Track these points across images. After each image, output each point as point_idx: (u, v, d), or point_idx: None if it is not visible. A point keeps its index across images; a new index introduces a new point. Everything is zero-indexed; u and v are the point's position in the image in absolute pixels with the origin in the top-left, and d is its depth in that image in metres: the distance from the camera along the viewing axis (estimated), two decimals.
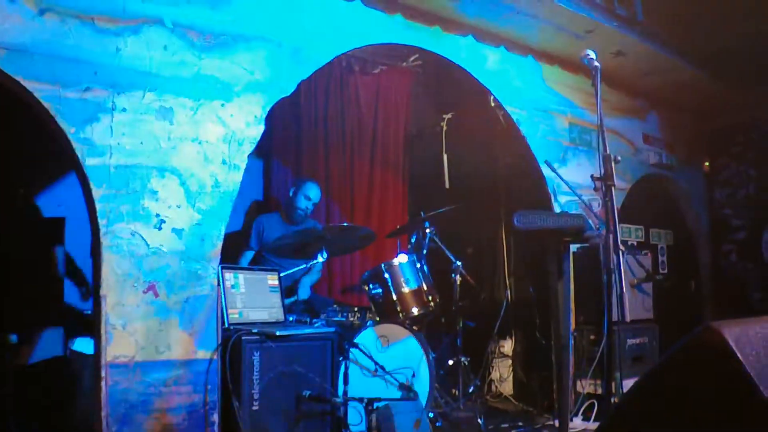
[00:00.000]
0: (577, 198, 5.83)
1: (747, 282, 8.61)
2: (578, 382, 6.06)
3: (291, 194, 6.33)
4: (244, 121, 4.58)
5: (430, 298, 5.41)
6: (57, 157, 4.23)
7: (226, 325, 4.40)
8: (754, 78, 7.47)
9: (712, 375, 1.75)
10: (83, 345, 4.97)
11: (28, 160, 5.66)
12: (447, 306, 5.88)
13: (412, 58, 7.23)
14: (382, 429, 4.11)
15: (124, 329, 3.97)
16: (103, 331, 3.91)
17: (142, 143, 4.12)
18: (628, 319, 3.32)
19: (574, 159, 6.81)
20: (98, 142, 3.96)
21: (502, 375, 7.11)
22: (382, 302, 5.35)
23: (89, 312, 4.33)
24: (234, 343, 4.15)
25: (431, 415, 5.05)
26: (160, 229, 4.16)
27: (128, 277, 4.02)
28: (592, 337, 6.22)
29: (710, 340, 1.73)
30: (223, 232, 4.44)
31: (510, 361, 7.16)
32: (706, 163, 9.07)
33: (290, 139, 7.03)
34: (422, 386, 5.06)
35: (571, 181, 5.90)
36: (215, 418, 4.25)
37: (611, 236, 3.35)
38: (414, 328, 5.23)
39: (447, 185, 7.46)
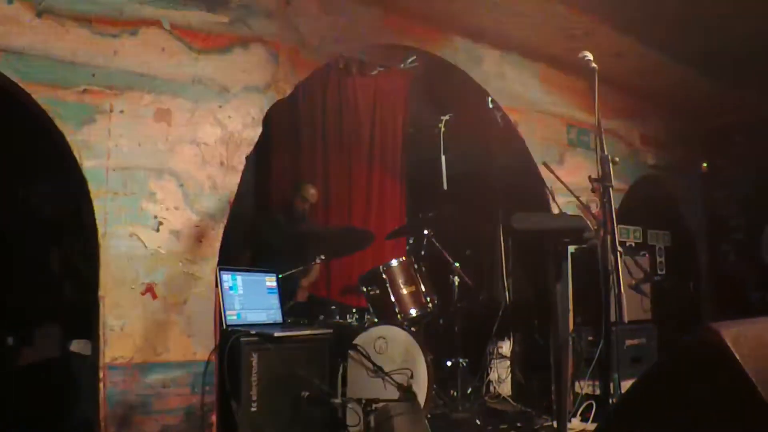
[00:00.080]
0: (575, 199, 5.83)
1: (745, 282, 8.61)
2: (577, 383, 6.06)
3: (289, 196, 6.32)
4: (242, 123, 4.58)
5: (428, 299, 5.41)
6: (55, 158, 4.22)
7: (224, 327, 4.40)
8: (751, 78, 7.47)
9: (711, 376, 1.76)
10: (81, 346, 4.97)
11: (26, 162, 5.65)
12: (445, 307, 5.88)
13: (409, 60, 7.21)
14: (380, 430, 4.11)
15: (123, 331, 3.97)
16: (101, 333, 3.91)
17: (139, 145, 4.12)
18: (626, 319, 3.32)
19: (572, 160, 6.82)
20: (96, 144, 3.96)
21: (501, 376, 7.10)
22: (380, 303, 5.35)
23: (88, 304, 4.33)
24: (232, 344, 4.15)
25: (430, 416, 5.05)
26: (158, 230, 4.16)
27: (126, 278, 4.02)
28: (590, 338, 6.23)
29: (708, 341, 1.73)
30: (221, 234, 4.44)
31: (508, 362, 7.15)
32: (704, 164, 9.07)
33: (288, 141, 7.02)
34: (420, 387, 5.05)
35: (569, 183, 5.89)
36: (213, 419, 4.25)
37: (609, 237, 3.35)
38: (412, 329, 5.23)
39: (445, 187, 7.45)
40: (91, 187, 3.95)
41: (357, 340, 4.78)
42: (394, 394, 4.79)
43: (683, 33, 6.38)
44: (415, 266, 5.50)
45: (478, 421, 5.50)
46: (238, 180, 4.56)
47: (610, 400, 5.09)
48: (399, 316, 5.25)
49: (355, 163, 7.23)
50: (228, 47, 4.53)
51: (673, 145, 8.36)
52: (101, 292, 3.94)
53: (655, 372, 1.98)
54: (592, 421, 5.74)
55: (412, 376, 4.99)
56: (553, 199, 6.37)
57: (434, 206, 5.97)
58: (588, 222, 4.48)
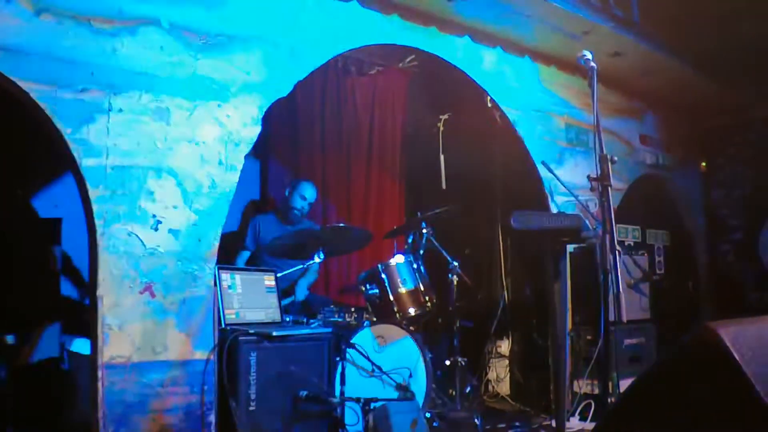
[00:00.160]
0: (573, 198, 5.83)
1: (744, 282, 8.62)
2: (575, 382, 6.06)
3: (287, 194, 6.33)
4: (241, 122, 4.57)
5: (426, 298, 5.41)
6: (54, 157, 4.22)
7: (223, 326, 4.40)
8: (750, 78, 7.48)
9: (709, 375, 1.76)
10: (80, 346, 4.96)
11: (25, 161, 5.65)
12: (444, 306, 5.88)
13: (408, 59, 7.22)
14: (379, 429, 4.11)
15: (121, 330, 3.96)
16: (99, 332, 3.91)
17: (138, 144, 4.12)
18: (624, 319, 3.32)
19: (570, 159, 6.82)
20: (95, 143, 3.95)
21: (499, 375, 7.12)
22: (379, 302, 5.36)
23: (86, 304, 4.33)
24: (231, 343, 4.15)
25: (428, 415, 5.05)
26: (156, 229, 4.16)
27: (125, 277, 4.02)
28: (589, 337, 6.22)
29: (707, 340, 1.73)
30: (219, 233, 4.44)
31: (507, 361, 7.16)
32: (703, 164, 9.08)
33: (287, 140, 7.03)
34: (419, 386, 5.05)
35: (567, 182, 5.91)
36: (212, 418, 4.24)
37: (608, 236, 3.36)
38: (411, 328, 5.23)
39: (444, 186, 7.46)
40: (90, 186, 3.94)
41: (355, 339, 4.78)
42: (393, 393, 4.80)
43: (682, 32, 6.39)
44: (414, 265, 5.50)
45: (476, 421, 5.50)
46: (237, 179, 4.56)
47: (609, 400, 5.10)
48: (398, 315, 5.25)
49: (354, 162, 7.24)
50: (227, 46, 4.53)
51: (672, 145, 8.36)
52: (99, 292, 3.94)
53: (654, 371, 1.98)
54: (591, 420, 5.75)
55: (410, 375, 4.99)
56: (552, 198, 6.37)
57: (433, 205, 5.96)
58: (587, 221, 4.49)
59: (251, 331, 4.25)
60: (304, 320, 5.16)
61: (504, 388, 7.08)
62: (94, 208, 3.94)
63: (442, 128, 7.60)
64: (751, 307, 8.25)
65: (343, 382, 4.55)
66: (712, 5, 5.79)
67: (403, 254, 5.55)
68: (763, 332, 1.79)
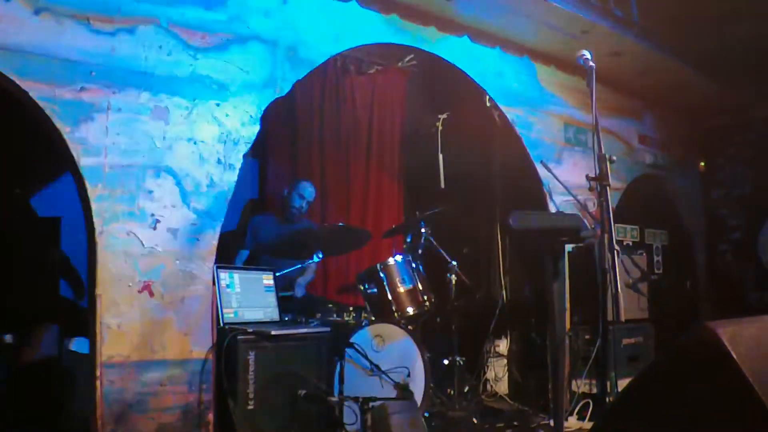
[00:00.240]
0: (572, 198, 5.84)
1: (743, 282, 8.62)
2: (573, 382, 6.06)
3: (286, 194, 6.33)
4: (240, 121, 4.58)
5: (425, 297, 5.42)
6: (53, 157, 4.22)
7: (222, 325, 4.39)
8: (749, 78, 7.48)
9: (708, 375, 1.76)
10: (80, 345, 4.96)
11: (24, 161, 5.65)
12: (442, 306, 5.88)
13: (407, 58, 7.22)
14: (377, 428, 4.11)
15: (119, 329, 3.96)
16: (98, 331, 3.91)
17: (137, 143, 4.12)
18: (623, 318, 3.32)
19: (569, 159, 6.82)
20: (93, 142, 3.95)
21: (498, 374, 7.11)
22: (377, 302, 5.36)
23: (84, 305, 4.33)
24: (229, 342, 4.15)
25: (426, 414, 5.05)
26: (155, 228, 4.16)
27: (123, 276, 4.02)
28: (587, 336, 6.23)
29: (705, 340, 1.73)
30: (218, 232, 4.44)
31: (505, 361, 7.16)
32: (702, 163, 9.09)
33: (285, 139, 7.03)
34: (418, 386, 5.05)
35: (566, 181, 5.92)
36: (210, 417, 4.25)
37: (606, 236, 3.35)
38: (409, 327, 5.23)
39: (442, 185, 7.46)
40: (88, 185, 3.94)
41: (354, 339, 4.78)
42: (391, 392, 4.80)
43: (682, 32, 6.39)
44: (413, 265, 5.50)
45: (474, 420, 5.51)
46: (236, 178, 4.56)
47: (607, 399, 5.10)
48: (396, 314, 5.26)
49: (353, 162, 7.24)
50: (226, 45, 4.53)
51: (670, 145, 8.37)
52: (98, 291, 3.94)
53: (652, 371, 1.99)
54: (589, 420, 5.75)
55: (409, 375, 5.00)
56: (551, 197, 6.38)
57: (432, 205, 5.97)
58: (585, 221, 4.49)
59: (250, 330, 4.24)
60: (303, 319, 5.16)
61: (502, 388, 7.08)
62: (93, 207, 3.94)
63: (441, 128, 7.60)
64: (750, 307, 8.25)
65: (341, 382, 4.56)
66: (711, 5, 5.79)
67: (401, 254, 5.55)
68: (761, 332, 1.79)
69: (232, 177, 4.54)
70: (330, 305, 5.57)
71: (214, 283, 4.40)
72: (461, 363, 5.92)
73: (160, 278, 4.15)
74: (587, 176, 3.61)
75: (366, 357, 4.74)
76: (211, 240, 4.40)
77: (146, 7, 4.20)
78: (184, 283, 4.25)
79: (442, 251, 5.98)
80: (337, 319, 5.26)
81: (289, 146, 7.03)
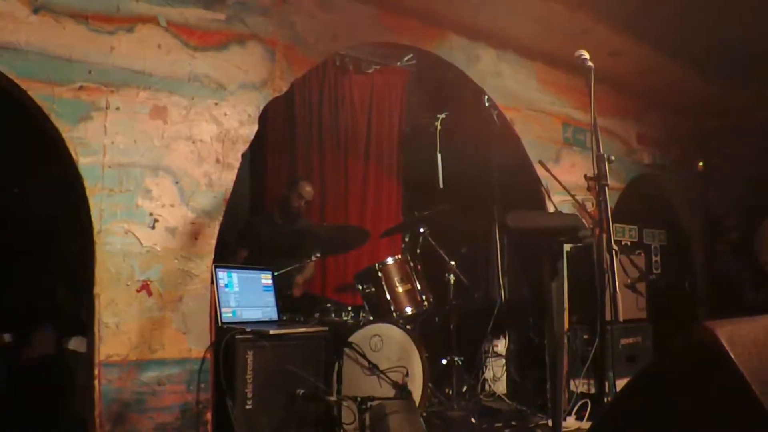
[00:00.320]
0: (570, 198, 5.84)
1: (740, 282, 8.62)
2: (572, 382, 6.06)
3: (285, 193, 6.32)
4: (238, 120, 4.58)
5: (423, 297, 5.42)
6: (51, 155, 4.22)
7: (220, 324, 4.39)
8: (747, 79, 7.48)
9: (706, 375, 1.76)
10: (78, 344, 4.97)
11: (22, 160, 5.64)
12: (441, 305, 5.88)
13: (406, 58, 7.22)
14: (375, 428, 4.11)
15: (118, 328, 3.97)
16: (96, 330, 3.91)
17: (135, 142, 4.12)
18: (621, 318, 3.33)
19: (568, 159, 6.83)
20: (92, 141, 3.96)
21: (496, 374, 7.11)
22: (375, 301, 5.36)
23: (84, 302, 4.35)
24: (227, 342, 4.15)
25: (425, 414, 5.05)
26: (153, 227, 4.16)
27: (122, 275, 4.02)
28: (585, 336, 6.23)
29: (703, 340, 1.73)
30: (216, 231, 4.44)
31: (503, 361, 7.16)
32: (700, 163, 9.09)
33: (284, 138, 7.02)
34: (416, 385, 5.05)
35: (564, 181, 5.90)
36: (208, 416, 4.25)
37: (605, 236, 3.35)
38: (408, 327, 5.23)
39: (441, 185, 7.45)
40: (87, 184, 3.94)
41: (352, 338, 4.78)
42: (390, 392, 4.80)
43: (680, 32, 6.39)
44: (411, 264, 5.51)
45: (473, 420, 5.51)
46: (234, 177, 4.56)
47: (605, 399, 5.11)
48: (394, 314, 5.26)
49: (351, 161, 7.24)
50: (224, 44, 4.53)
51: (669, 145, 8.38)
52: (97, 290, 3.94)
53: (650, 371, 1.98)
54: (587, 420, 5.75)
55: (407, 374, 4.99)
56: (549, 197, 6.37)
57: (430, 204, 5.97)
58: (583, 220, 4.49)
59: (248, 330, 4.25)
60: (301, 319, 5.16)
61: (501, 387, 7.07)
62: (92, 206, 3.95)
63: (439, 127, 7.60)
64: (748, 307, 8.25)
65: (339, 381, 4.56)
66: (710, 4, 5.78)
67: (400, 253, 5.55)
68: (759, 332, 1.79)
69: (231, 176, 4.54)
70: (328, 305, 5.56)
71: (212, 283, 4.40)
72: (459, 363, 5.92)
73: (159, 277, 4.15)
74: (585, 176, 3.61)
75: (364, 356, 4.74)
76: (209, 239, 4.40)
77: (145, 6, 4.21)
78: (183, 283, 4.25)
79: (441, 251, 5.97)
80: (336, 318, 5.25)
81: (288, 146, 7.03)
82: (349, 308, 5.44)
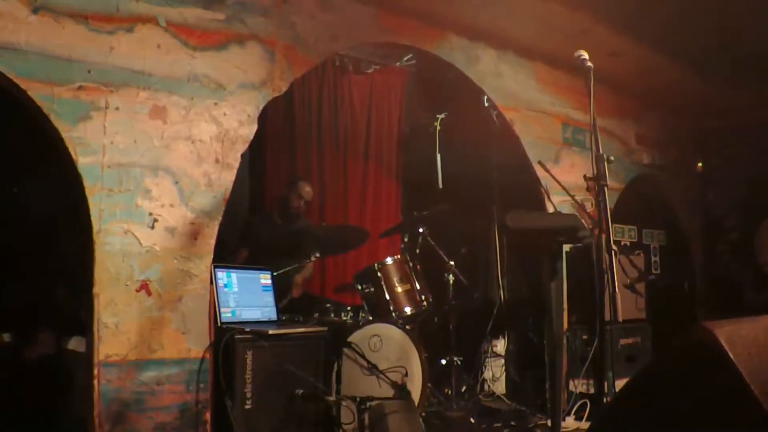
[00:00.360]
0: (570, 198, 5.84)
1: (740, 282, 8.63)
2: (571, 382, 6.06)
3: (284, 193, 6.32)
4: (237, 120, 4.58)
5: (422, 297, 5.42)
6: (51, 155, 4.21)
7: (219, 324, 4.39)
8: (747, 79, 7.48)
9: (705, 375, 1.76)
10: (77, 344, 4.96)
11: (21, 159, 5.64)
12: (440, 305, 5.88)
13: (405, 58, 7.22)
14: (374, 428, 4.11)
15: (117, 328, 3.96)
16: (95, 330, 3.91)
17: (135, 142, 4.12)
18: (620, 318, 3.33)
19: (567, 159, 6.83)
20: (92, 141, 3.96)
21: (495, 374, 7.10)
22: (375, 301, 5.37)
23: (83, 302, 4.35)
24: (227, 342, 4.14)
25: (424, 414, 5.05)
26: (153, 227, 4.16)
27: (121, 275, 4.02)
28: (584, 336, 6.23)
29: (702, 340, 1.73)
30: (215, 231, 4.44)
31: (503, 361, 7.15)
32: (700, 164, 9.09)
33: (283, 138, 7.02)
34: (415, 385, 5.05)
35: (564, 181, 5.90)
36: (208, 416, 4.25)
37: (604, 236, 3.35)
38: (407, 327, 5.23)
39: (440, 185, 7.46)
40: (87, 184, 3.94)
41: (351, 338, 4.78)
42: (389, 392, 4.80)
43: (679, 33, 6.39)
44: (410, 264, 5.51)
45: (472, 420, 5.51)
46: (234, 177, 4.56)
47: (604, 399, 5.11)
48: (394, 314, 5.26)
49: (351, 161, 7.24)
50: (224, 44, 4.53)
51: (668, 145, 8.38)
52: (96, 290, 3.94)
53: (650, 371, 1.98)
54: (586, 420, 5.75)
55: (406, 374, 4.99)
56: (548, 197, 6.37)
57: (429, 204, 5.97)
58: (583, 221, 4.50)
59: (247, 330, 4.24)
60: (300, 319, 5.16)
61: (500, 388, 7.07)
62: (91, 206, 3.95)
63: (438, 127, 7.60)
64: (748, 307, 8.26)
65: (339, 381, 4.56)
66: (709, 5, 5.78)
67: (399, 253, 5.55)
68: (759, 332, 1.79)
69: (230, 176, 4.54)
70: (328, 305, 5.56)
71: (211, 283, 4.40)
72: (459, 363, 5.92)
73: (158, 277, 4.15)
74: (585, 176, 3.61)
75: (363, 356, 4.74)
76: (208, 239, 4.40)
77: (144, 6, 4.21)
78: (182, 283, 4.25)
79: (440, 251, 5.97)
80: (335, 318, 5.25)
81: (287, 146, 7.03)
82: (349, 308, 5.44)
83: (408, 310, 5.31)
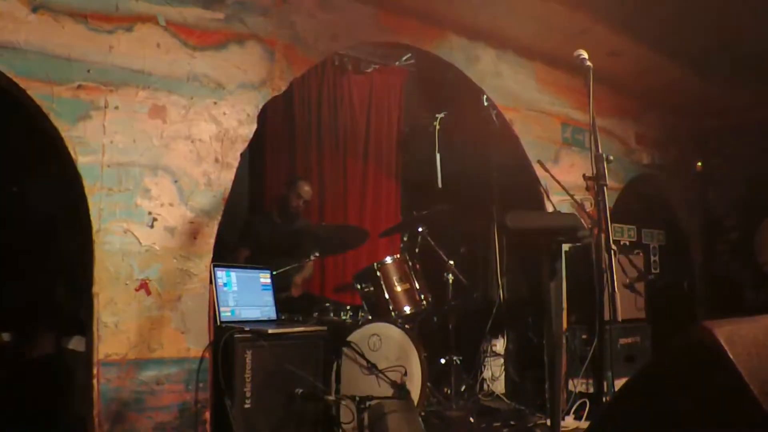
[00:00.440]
0: (569, 197, 5.84)
1: (739, 282, 8.63)
2: (570, 381, 6.07)
3: (283, 192, 6.32)
4: (237, 120, 4.58)
5: (422, 297, 5.42)
6: (50, 154, 4.21)
7: (219, 323, 4.39)
8: (746, 79, 7.48)
9: (704, 375, 1.76)
10: (77, 343, 4.96)
11: (21, 159, 5.64)
12: (439, 305, 5.88)
13: (405, 57, 7.22)
14: (374, 427, 4.11)
15: (117, 327, 3.96)
16: (95, 329, 3.91)
17: (134, 141, 4.12)
18: (620, 318, 3.33)
19: (567, 159, 6.83)
20: (91, 140, 3.96)
21: (494, 374, 7.10)
22: (374, 301, 5.36)
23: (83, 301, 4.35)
24: (226, 341, 4.14)
25: (423, 413, 5.05)
26: (152, 227, 4.16)
27: (120, 275, 4.02)
28: (584, 336, 6.23)
29: (702, 340, 1.73)
30: (215, 231, 4.44)
31: (502, 360, 7.15)
32: (699, 164, 9.09)
33: (283, 138, 7.02)
34: (414, 385, 5.05)
35: (563, 181, 5.91)
36: (207, 416, 4.25)
37: (603, 236, 3.35)
38: (406, 326, 5.23)
39: (440, 185, 7.46)
40: (86, 183, 3.94)
41: (351, 338, 4.78)
42: (388, 391, 4.80)
43: (679, 32, 6.39)
44: (410, 264, 5.51)
45: (471, 419, 5.51)
46: (233, 177, 4.56)
47: (604, 399, 5.11)
48: (393, 313, 5.26)
49: (350, 161, 7.24)
50: (223, 44, 4.53)
51: (668, 145, 8.38)
52: (95, 289, 3.94)
53: (649, 371, 1.98)
54: (586, 420, 5.75)
55: (405, 374, 4.99)
56: (548, 197, 6.38)
57: (429, 204, 5.97)
58: (582, 220, 4.50)
59: (247, 329, 4.24)
60: (300, 318, 5.16)
61: (499, 387, 7.07)
62: (91, 205, 3.95)
63: (438, 127, 7.60)
64: (747, 307, 8.26)
65: (338, 380, 4.55)
66: (709, 5, 5.78)
67: (398, 253, 5.55)
68: (758, 332, 1.79)
69: (230, 176, 4.54)
70: (327, 304, 5.56)
71: (211, 282, 4.40)
72: (458, 362, 5.92)
73: (158, 276, 4.15)
74: (584, 176, 3.61)
75: (363, 356, 4.74)
76: (208, 238, 4.40)
77: (144, 6, 4.21)
78: (182, 282, 4.25)
79: (440, 251, 5.97)
80: (335, 318, 5.25)
81: (287, 145, 7.03)
82: (348, 308, 5.44)
83: (407, 309, 5.31)
